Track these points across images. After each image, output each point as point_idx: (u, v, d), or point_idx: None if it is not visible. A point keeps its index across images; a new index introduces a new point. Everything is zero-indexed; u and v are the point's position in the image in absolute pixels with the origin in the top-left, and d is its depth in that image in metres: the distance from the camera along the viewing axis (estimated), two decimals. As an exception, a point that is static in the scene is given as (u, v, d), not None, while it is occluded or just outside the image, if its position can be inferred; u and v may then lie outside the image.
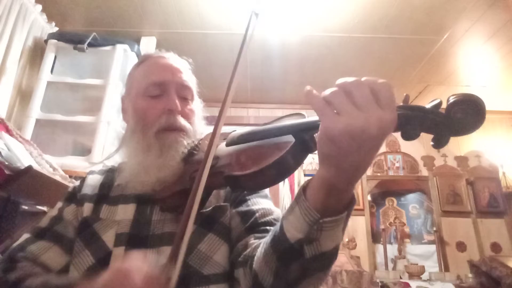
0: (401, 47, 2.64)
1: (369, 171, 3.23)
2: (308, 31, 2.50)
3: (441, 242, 3.00)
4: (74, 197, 0.75)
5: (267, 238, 0.52)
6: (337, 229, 0.44)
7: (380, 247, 3.07)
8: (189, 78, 0.79)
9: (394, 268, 2.95)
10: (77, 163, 1.86)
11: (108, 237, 0.65)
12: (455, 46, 2.63)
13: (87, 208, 0.71)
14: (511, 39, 2.51)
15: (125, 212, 0.68)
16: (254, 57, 2.81)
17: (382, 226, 3.14)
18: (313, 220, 0.43)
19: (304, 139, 0.48)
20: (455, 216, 3.10)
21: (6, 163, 1.11)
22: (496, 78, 3.03)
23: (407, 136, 0.40)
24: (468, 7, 2.22)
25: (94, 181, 0.77)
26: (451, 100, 0.39)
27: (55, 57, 2.18)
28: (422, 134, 0.41)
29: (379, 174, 3.26)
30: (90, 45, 2.13)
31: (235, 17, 2.38)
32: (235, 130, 0.64)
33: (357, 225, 3.07)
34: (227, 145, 0.60)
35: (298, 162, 0.49)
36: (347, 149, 0.37)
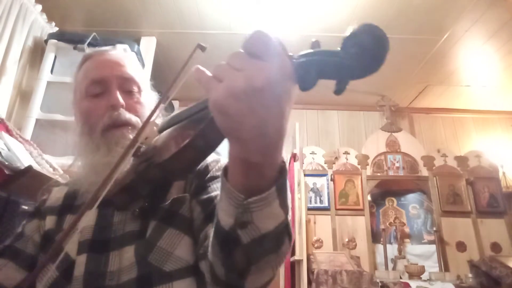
0: (401, 47, 2.64)
1: (369, 171, 3.23)
2: (308, 31, 2.50)
3: (441, 242, 3.00)
4: (38, 211, 0.74)
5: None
6: (270, 207, 0.40)
7: (380, 247, 3.06)
8: (133, 71, 0.76)
9: (394, 268, 2.94)
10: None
11: (71, 247, 0.63)
12: (455, 46, 2.63)
13: (49, 221, 0.70)
14: (511, 39, 2.51)
15: (88, 219, 0.66)
16: (254, 57, 2.81)
17: (382, 226, 3.14)
18: (238, 202, 0.39)
19: None
20: (455, 216, 3.10)
21: (6, 163, 1.11)
22: (496, 78, 3.03)
23: (304, 86, 0.35)
24: (468, 7, 2.22)
25: (59, 192, 0.76)
26: (347, 34, 0.33)
27: (55, 57, 2.18)
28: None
29: (379, 174, 3.25)
30: (90, 45, 2.13)
31: (235, 17, 2.38)
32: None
33: (357, 225, 3.07)
34: (159, 132, 0.57)
35: (220, 134, 0.43)
36: (238, 113, 0.33)
